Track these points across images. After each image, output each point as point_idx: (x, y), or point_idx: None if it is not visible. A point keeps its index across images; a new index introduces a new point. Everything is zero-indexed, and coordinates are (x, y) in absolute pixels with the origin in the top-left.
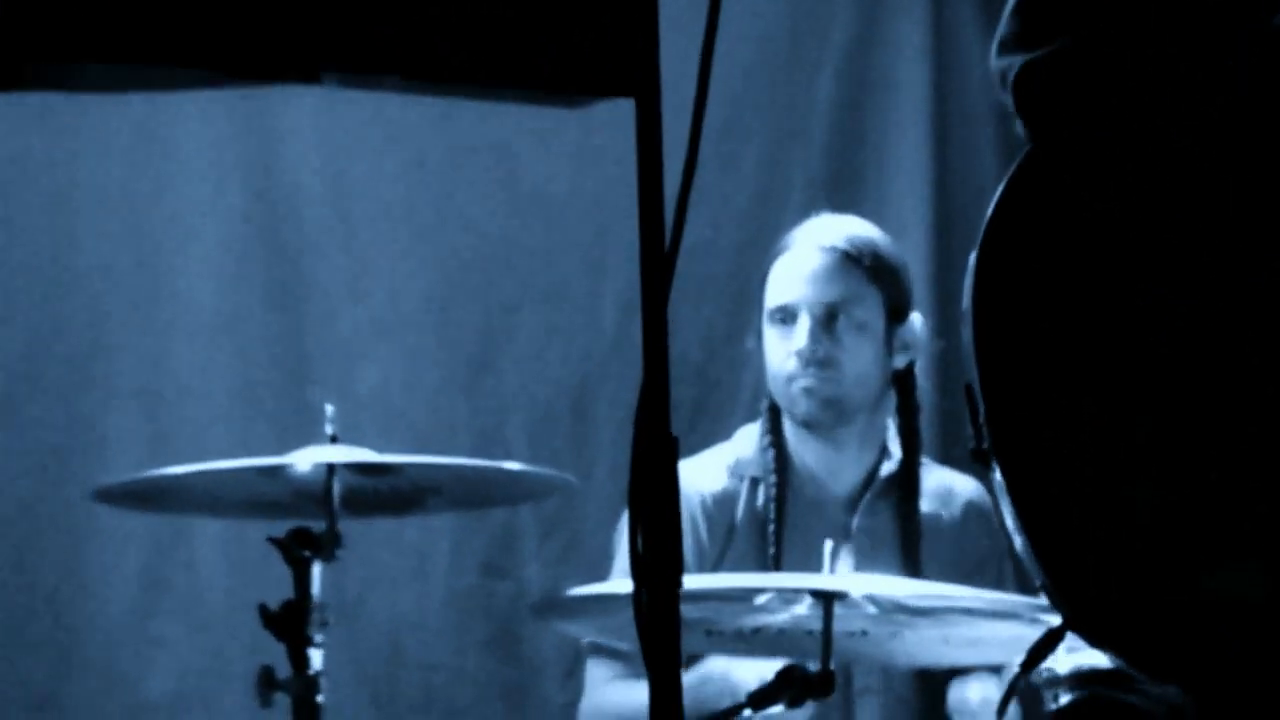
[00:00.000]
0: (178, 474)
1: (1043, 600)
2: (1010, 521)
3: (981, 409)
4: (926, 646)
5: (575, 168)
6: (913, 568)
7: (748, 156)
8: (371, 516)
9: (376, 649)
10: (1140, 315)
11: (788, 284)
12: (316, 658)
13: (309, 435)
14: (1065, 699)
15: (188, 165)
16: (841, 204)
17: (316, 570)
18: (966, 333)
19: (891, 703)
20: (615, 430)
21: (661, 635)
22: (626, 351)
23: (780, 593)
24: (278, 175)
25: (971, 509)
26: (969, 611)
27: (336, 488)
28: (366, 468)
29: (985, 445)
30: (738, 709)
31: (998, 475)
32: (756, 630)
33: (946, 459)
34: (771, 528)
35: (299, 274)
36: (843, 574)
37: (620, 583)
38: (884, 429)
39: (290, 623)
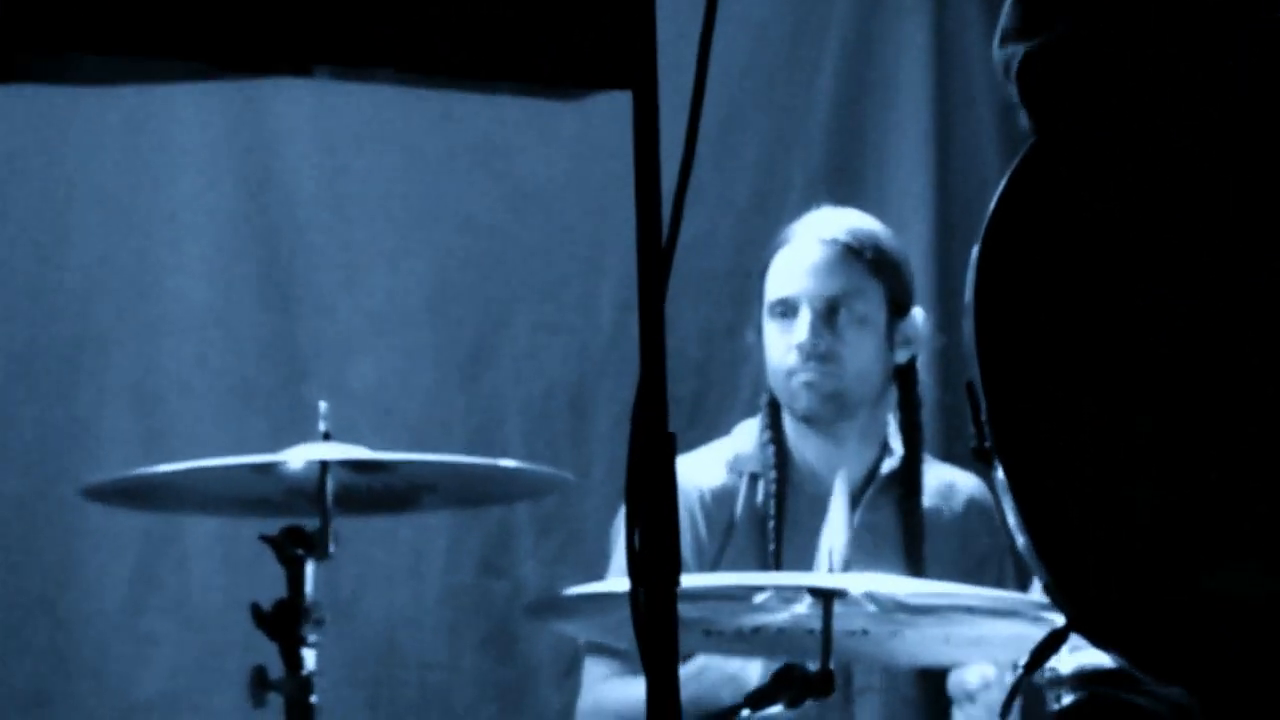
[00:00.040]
0: (170, 471)
1: (1044, 598)
2: (1012, 520)
3: (983, 406)
4: (928, 645)
5: (572, 162)
6: (916, 565)
7: (747, 151)
8: (366, 515)
9: (371, 649)
10: (1140, 314)
11: (788, 277)
12: (310, 658)
13: (302, 432)
14: (1068, 699)
15: (180, 159)
16: (841, 200)
17: (310, 569)
18: (968, 327)
19: (892, 702)
20: (613, 427)
21: (659, 634)
22: (624, 348)
23: (779, 591)
24: (271, 169)
25: (973, 506)
26: (970, 610)
27: (330, 485)
28: (361, 465)
29: (987, 443)
30: (736, 709)
31: (1000, 474)
32: (756, 629)
33: (948, 456)
34: (771, 524)
35: (293, 269)
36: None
37: (616, 582)
38: (885, 425)
39: (283, 622)
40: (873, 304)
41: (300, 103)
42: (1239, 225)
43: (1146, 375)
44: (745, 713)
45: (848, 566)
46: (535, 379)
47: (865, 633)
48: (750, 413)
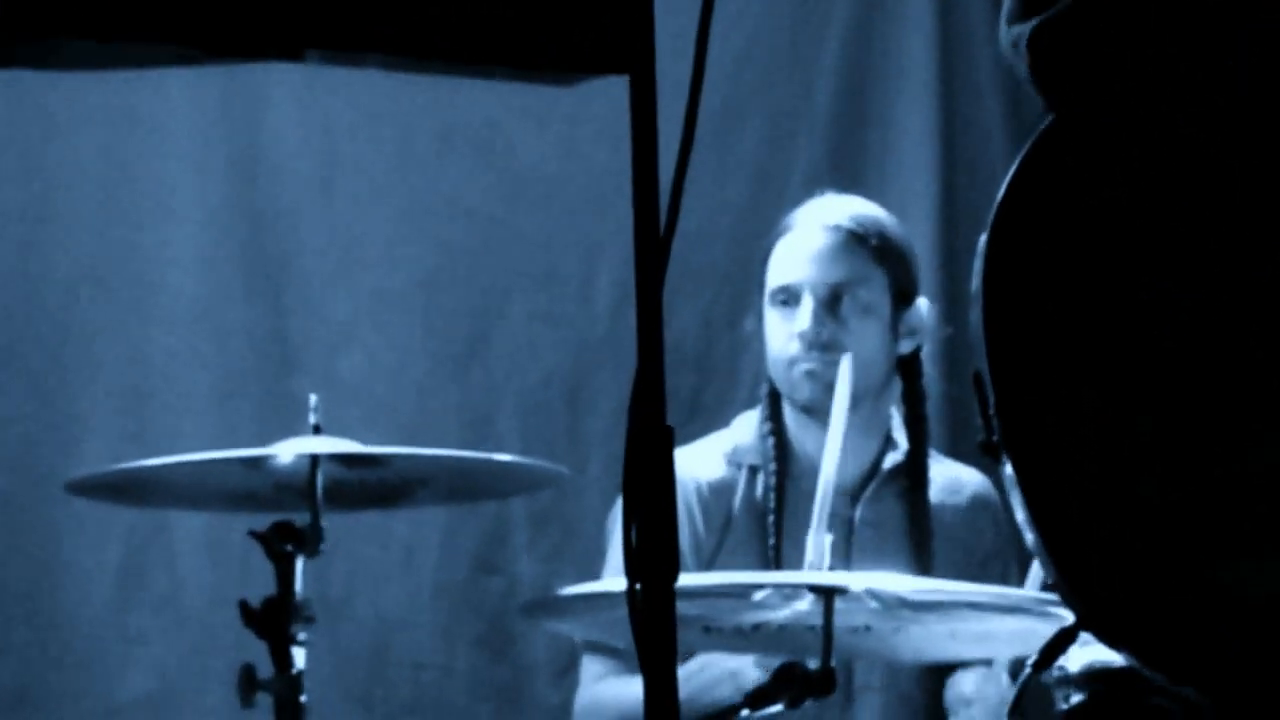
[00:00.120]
0: (156, 465)
1: (1048, 595)
2: (1021, 516)
3: (991, 398)
4: (933, 641)
5: (568, 148)
6: (923, 561)
7: (747, 139)
8: (357, 510)
9: (362, 647)
10: (1145, 307)
11: (790, 264)
12: (300, 656)
13: (292, 425)
14: (1077, 699)
15: (168, 146)
16: (844, 186)
17: (300, 565)
18: (975, 317)
19: (892, 700)
20: (610, 420)
21: (657, 632)
22: (621, 339)
23: (779, 588)
24: (261, 156)
25: (978, 502)
26: (975, 606)
27: (320, 480)
28: (352, 459)
29: (995, 437)
30: (736, 709)
31: (1008, 469)
32: (756, 627)
33: (953, 451)
34: (771, 518)
35: (282, 258)
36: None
37: (611, 581)
38: (888, 417)
39: (273, 620)
40: (877, 292)
41: (291, 88)
42: (1245, 216)
43: (1150, 370)
44: (745, 713)
45: (848, 561)
46: (531, 371)
47: (868, 629)
48: (750, 406)
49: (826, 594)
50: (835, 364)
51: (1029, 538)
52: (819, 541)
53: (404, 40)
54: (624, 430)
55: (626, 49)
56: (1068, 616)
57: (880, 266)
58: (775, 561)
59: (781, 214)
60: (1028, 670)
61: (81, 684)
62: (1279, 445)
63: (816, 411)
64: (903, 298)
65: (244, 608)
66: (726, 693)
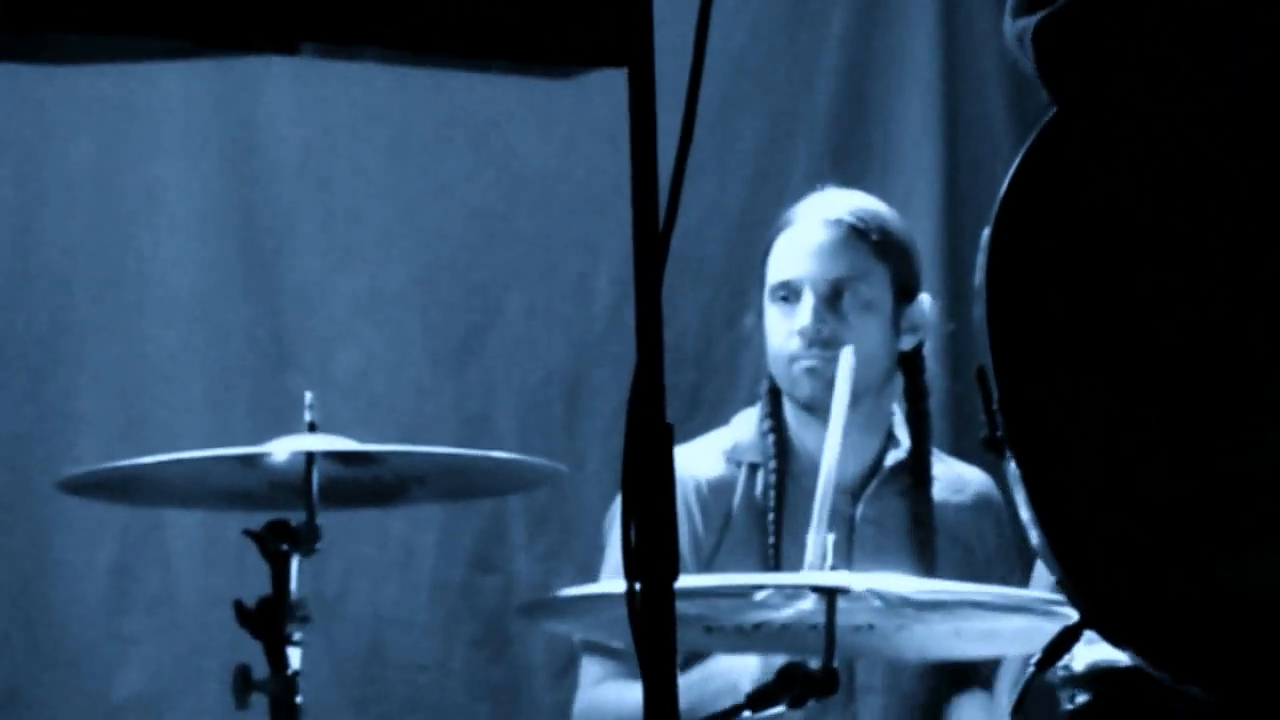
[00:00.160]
0: (150, 463)
1: (1053, 594)
2: (1025, 514)
3: (995, 393)
4: (937, 640)
5: (566, 143)
6: (926, 560)
7: (747, 133)
8: (353, 508)
9: (358, 647)
10: (1148, 302)
11: (791, 259)
12: (295, 656)
13: (287, 423)
14: (1082, 699)
15: (162, 140)
16: (846, 181)
17: (295, 565)
18: (979, 312)
19: (894, 701)
20: (608, 418)
21: (656, 633)
22: (620, 335)
23: (780, 589)
24: (256, 151)
25: (981, 502)
26: (978, 605)
27: (316, 478)
28: (347, 457)
29: (999, 433)
30: (737, 709)
31: (1012, 464)
32: (758, 626)
33: (956, 448)
34: (771, 517)
35: (278, 254)
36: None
37: (609, 582)
38: (890, 414)
39: (268, 620)
40: (878, 288)
41: (286, 82)
42: (1249, 209)
43: (1153, 364)
44: (747, 714)
45: (849, 560)
46: (528, 368)
47: (871, 628)
48: (750, 403)
49: (829, 594)
50: (836, 360)
51: (1033, 534)
52: (820, 540)
53: (400, 33)
54: (623, 428)
55: (624, 40)
56: (1073, 616)
57: (882, 261)
58: (775, 560)
59: (782, 209)
60: (1030, 669)
61: (74, 684)
62: None
63: (817, 408)
64: (904, 293)
65: (239, 607)
66: (728, 704)
